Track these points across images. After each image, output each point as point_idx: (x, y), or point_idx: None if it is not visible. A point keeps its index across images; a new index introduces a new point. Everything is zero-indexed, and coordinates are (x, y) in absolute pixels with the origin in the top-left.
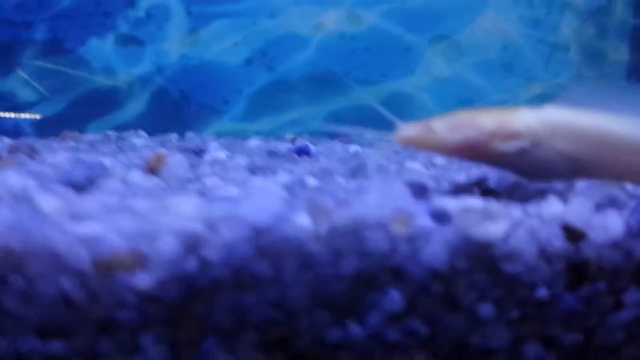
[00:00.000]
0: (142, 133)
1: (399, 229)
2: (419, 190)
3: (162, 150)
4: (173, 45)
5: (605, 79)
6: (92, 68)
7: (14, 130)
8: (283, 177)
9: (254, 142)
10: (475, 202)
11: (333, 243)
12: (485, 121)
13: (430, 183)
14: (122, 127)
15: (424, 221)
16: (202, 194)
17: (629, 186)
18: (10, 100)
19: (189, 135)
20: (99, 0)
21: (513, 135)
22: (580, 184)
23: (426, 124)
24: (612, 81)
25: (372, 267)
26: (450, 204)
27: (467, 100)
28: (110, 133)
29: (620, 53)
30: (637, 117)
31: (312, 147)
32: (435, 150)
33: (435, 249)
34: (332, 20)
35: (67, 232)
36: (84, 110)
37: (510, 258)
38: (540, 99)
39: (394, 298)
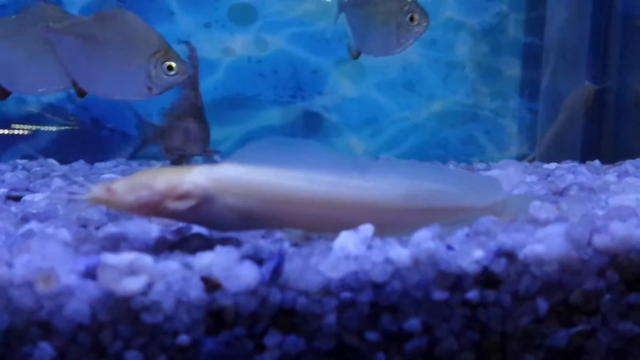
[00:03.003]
0: (52, 162)
1: (43, 287)
2: (75, 249)
3: None
4: None
5: (500, 95)
6: None
7: None
8: None
9: (107, 175)
10: (125, 257)
11: None
12: (158, 183)
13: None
14: (35, 156)
15: (69, 279)
16: None
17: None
18: None
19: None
20: None
21: (183, 196)
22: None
23: (108, 185)
24: (505, 97)
25: (21, 322)
26: (106, 259)
27: (372, 118)
28: (20, 162)
29: (513, 69)
30: (307, 170)
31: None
32: (118, 209)
33: (78, 304)
34: (239, 45)
35: None
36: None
37: (149, 309)
38: (440, 116)
39: (44, 349)
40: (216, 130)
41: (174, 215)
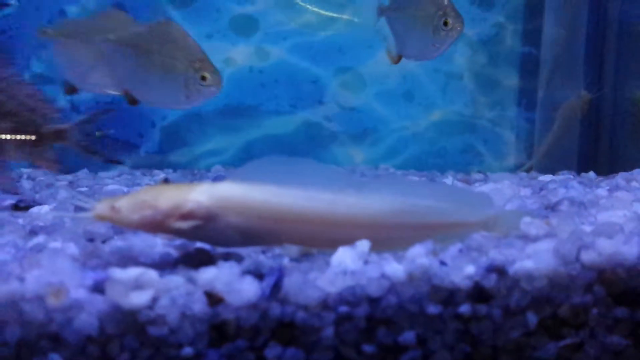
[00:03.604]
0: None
1: (53, 301)
2: (83, 263)
3: None
4: None
5: (498, 105)
6: None
7: None
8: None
9: (111, 187)
10: (131, 272)
11: None
12: (162, 202)
13: (106, 254)
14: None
15: (78, 293)
16: None
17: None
18: None
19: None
20: (13, 42)
21: (187, 215)
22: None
23: (113, 202)
24: (503, 106)
25: (32, 335)
26: (114, 274)
27: (372, 128)
28: (25, 171)
29: (511, 80)
30: (305, 188)
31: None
32: (122, 226)
33: (87, 317)
34: (240, 55)
35: None
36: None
37: (155, 322)
38: (439, 125)
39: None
40: (218, 139)
41: (178, 233)
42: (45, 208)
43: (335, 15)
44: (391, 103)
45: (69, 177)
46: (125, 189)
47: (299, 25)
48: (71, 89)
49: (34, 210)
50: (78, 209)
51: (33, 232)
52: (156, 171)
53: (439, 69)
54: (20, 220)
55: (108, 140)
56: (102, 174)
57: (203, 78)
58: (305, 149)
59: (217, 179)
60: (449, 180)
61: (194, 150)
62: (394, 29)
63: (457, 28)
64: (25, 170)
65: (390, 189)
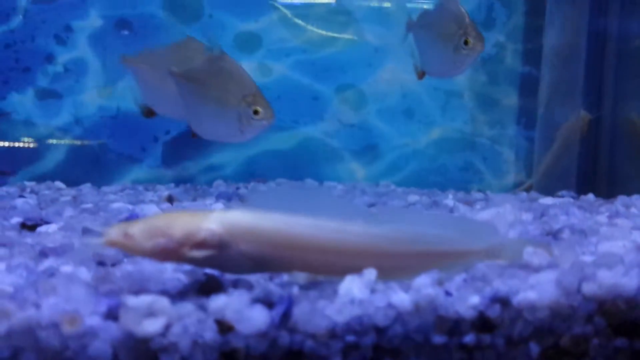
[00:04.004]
0: (59, 184)
1: (68, 328)
2: (96, 289)
3: None
4: (90, 98)
5: (498, 123)
6: (13, 121)
7: None
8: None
9: (117, 205)
10: (144, 299)
11: (12, 341)
12: (175, 230)
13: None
14: (44, 177)
15: (92, 320)
16: None
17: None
18: None
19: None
20: (18, 56)
21: (200, 244)
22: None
23: (126, 229)
24: (503, 125)
25: None
26: (127, 301)
27: (373, 144)
28: (28, 185)
29: (510, 98)
30: (315, 217)
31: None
32: (135, 254)
33: (101, 345)
34: None
35: None
36: (5, 162)
37: (167, 350)
38: (439, 142)
39: None
40: (219, 154)
41: (191, 261)
42: (53, 227)
43: (336, 34)
44: (392, 120)
45: (73, 191)
46: (129, 207)
47: (301, 43)
48: (149, 112)
49: (42, 229)
50: (86, 230)
51: (43, 254)
52: (159, 186)
53: (439, 87)
54: (29, 240)
55: None
56: (105, 189)
57: (255, 112)
58: (306, 164)
59: (222, 195)
60: (450, 200)
61: (196, 165)
62: (419, 45)
63: (477, 48)
64: (29, 184)
65: (398, 219)
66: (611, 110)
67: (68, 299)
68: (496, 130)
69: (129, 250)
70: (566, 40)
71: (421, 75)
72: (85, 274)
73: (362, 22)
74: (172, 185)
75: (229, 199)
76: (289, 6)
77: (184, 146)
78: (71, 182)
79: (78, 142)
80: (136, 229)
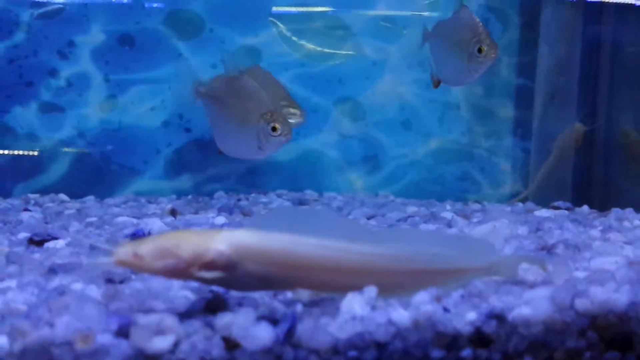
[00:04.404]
0: (63, 197)
1: (81, 346)
2: (106, 306)
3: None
4: (93, 111)
5: (494, 134)
6: (17, 134)
7: None
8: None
9: (122, 219)
10: (154, 317)
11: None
12: (184, 250)
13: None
14: (47, 189)
15: (104, 338)
16: None
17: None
18: None
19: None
20: (22, 71)
21: (208, 265)
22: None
23: (135, 249)
24: (499, 136)
25: None
26: (137, 319)
27: (372, 155)
28: (32, 197)
29: (506, 110)
30: (319, 236)
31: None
32: (144, 272)
33: None
34: None
35: None
36: (9, 175)
37: None
38: (436, 153)
39: None
40: (222, 165)
41: (199, 280)
42: (60, 243)
43: (335, 48)
44: (390, 132)
45: (77, 204)
46: (134, 221)
47: (300, 56)
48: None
49: (50, 245)
50: (93, 248)
51: (52, 271)
52: (161, 198)
53: (436, 99)
54: (38, 256)
55: None
56: (108, 201)
57: (274, 129)
58: (306, 175)
59: (223, 208)
60: (447, 212)
61: (197, 177)
62: (434, 54)
63: (491, 55)
64: (32, 196)
65: (399, 238)
66: (605, 122)
67: (80, 317)
68: (492, 141)
69: (139, 270)
70: (560, 53)
71: (437, 83)
72: (95, 291)
73: (360, 35)
74: (174, 196)
75: (230, 211)
76: (288, 21)
77: (185, 158)
78: (74, 194)
79: (81, 155)
80: (145, 249)
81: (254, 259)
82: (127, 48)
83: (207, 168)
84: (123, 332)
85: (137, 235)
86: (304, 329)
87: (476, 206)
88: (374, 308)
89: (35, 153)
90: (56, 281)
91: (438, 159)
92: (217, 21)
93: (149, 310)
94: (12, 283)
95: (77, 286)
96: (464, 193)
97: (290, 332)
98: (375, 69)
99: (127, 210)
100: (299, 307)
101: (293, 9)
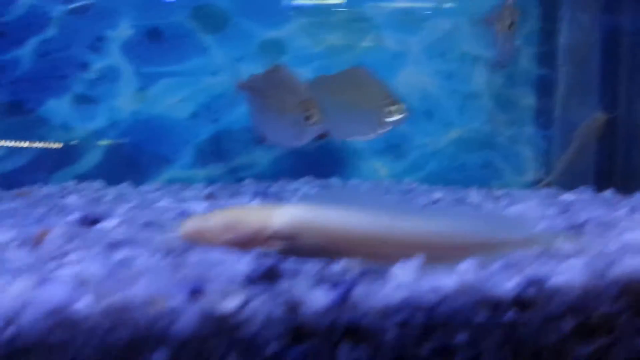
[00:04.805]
0: (99, 184)
1: (157, 308)
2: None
3: (47, 227)
4: (124, 103)
5: (515, 123)
6: (51, 125)
7: None
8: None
9: (163, 203)
10: (220, 282)
11: (109, 318)
12: (248, 225)
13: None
14: (82, 177)
15: (177, 301)
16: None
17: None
18: None
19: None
20: (55, 64)
21: (272, 237)
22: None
23: (202, 223)
24: (521, 125)
25: (140, 335)
26: (206, 284)
27: (395, 144)
28: (70, 184)
29: (527, 99)
30: (369, 211)
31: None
32: (211, 244)
33: (185, 323)
34: None
35: None
36: (47, 163)
37: (242, 326)
38: (459, 142)
39: (159, 357)
40: (248, 154)
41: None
42: (112, 222)
43: (357, 40)
44: (412, 121)
45: (113, 190)
46: (176, 204)
47: (323, 49)
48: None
49: (104, 224)
50: (148, 224)
51: (113, 245)
52: (194, 185)
53: (457, 89)
54: (94, 234)
55: None
56: (143, 188)
57: (308, 117)
58: (330, 163)
59: (257, 193)
60: (474, 196)
61: (225, 165)
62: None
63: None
64: (68, 184)
65: (444, 214)
66: (626, 110)
67: (152, 283)
68: (514, 130)
69: (205, 242)
70: (580, 42)
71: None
72: (161, 261)
73: (381, 27)
74: (204, 184)
75: (264, 196)
76: (310, 14)
77: (213, 148)
78: (108, 183)
79: (113, 145)
80: (211, 224)
81: (311, 232)
82: (155, 42)
83: (234, 157)
84: (193, 297)
85: (184, 215)
86: (358, 293)
87: (501, 192)
88: (421, 275)
89: (70, 143)
90: (120, 254)
91: (460, 147)
92: (241, 15)
93: (213, 278)
94: (79, 256)
95: (142, 258)
96: (486, 180)
97: (346, 295)
98: (397, 60)
99: (165, 196)
100: (351, 275)
101: (315, 2)
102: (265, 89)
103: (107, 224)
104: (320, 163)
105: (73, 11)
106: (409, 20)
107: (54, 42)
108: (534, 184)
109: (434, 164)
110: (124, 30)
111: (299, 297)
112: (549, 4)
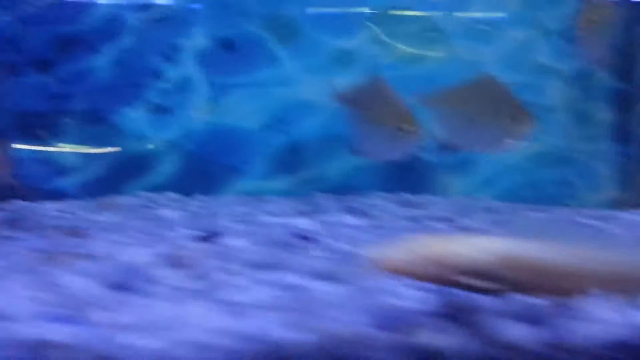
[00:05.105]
0: (172, 195)
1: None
2: None
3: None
4: (196, 112)
5: (592, 139)
6: (126, 135)
7: (55, 192)
8: None
9: (264, 218)
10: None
11: None
12: (447, 257)
13: None
14: (154, 188)
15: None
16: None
17: None
18: (53, 165)
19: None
20: (130, 73)
21: (469, 272)
22: None
23: (398, 255)
24: (598, 141)
25: None
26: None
27: (467, 159)
28: (143, 195)
29: (604, 114)
30: (562, 245)
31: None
32: (406, 278)
33: None
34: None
35: None
36: (120, 173)
37: None
38: (533, 158)
39: None
40: (317, 167)
41: (457, 286)
42: (240, 241)
43: (427, 50)
44: None
45: (196, 202)
46: (279, 219)
47: (393, 59)
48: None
49: (229, 241)
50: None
51: (259, 267)
52: (267, 197)
53: (533, 102)
54: (229, 254)
55: None
56: (221, 200)
57: (402, 129)
58: (401, 178)
59: (347, 210)
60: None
61: (296, 177)
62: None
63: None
64: (145, 194)
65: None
66: None
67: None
68: (591, 145)
69: (403, 275)
70: None
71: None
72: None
73: (453, 37)
74: (282, 197)
75: (352, 211)
76: (381, 24)
77: (285, 159)
78: (180, 193)
79: (186, 154)
80: (408, 255)
81: (506, 266)
82: (228, 52)
83: (304, 170)
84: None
85: (303, 236)
86: (561, 330)
87: (592, 212)
88: (620, 312)
89: (143, 152)
90: (284, 278)
91: (534, 163)
92: (312, 25)
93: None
94: (240, 280)
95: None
96: (559, 198)
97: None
98: (468, 71)
99: (254, 210)
100: (549, 310)
101: (387, 12)
102: (362, 101)
103: (234, 243)
104: (391, 178)
105: (148, 20)
106: (482, 30)
107: (129, 50)
108: (612, 204)
109: (507, 180)
110: (197, 39)
111: (500, 331)
112: (628, 15)
